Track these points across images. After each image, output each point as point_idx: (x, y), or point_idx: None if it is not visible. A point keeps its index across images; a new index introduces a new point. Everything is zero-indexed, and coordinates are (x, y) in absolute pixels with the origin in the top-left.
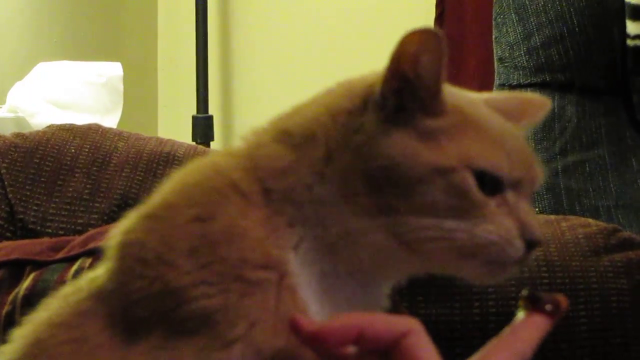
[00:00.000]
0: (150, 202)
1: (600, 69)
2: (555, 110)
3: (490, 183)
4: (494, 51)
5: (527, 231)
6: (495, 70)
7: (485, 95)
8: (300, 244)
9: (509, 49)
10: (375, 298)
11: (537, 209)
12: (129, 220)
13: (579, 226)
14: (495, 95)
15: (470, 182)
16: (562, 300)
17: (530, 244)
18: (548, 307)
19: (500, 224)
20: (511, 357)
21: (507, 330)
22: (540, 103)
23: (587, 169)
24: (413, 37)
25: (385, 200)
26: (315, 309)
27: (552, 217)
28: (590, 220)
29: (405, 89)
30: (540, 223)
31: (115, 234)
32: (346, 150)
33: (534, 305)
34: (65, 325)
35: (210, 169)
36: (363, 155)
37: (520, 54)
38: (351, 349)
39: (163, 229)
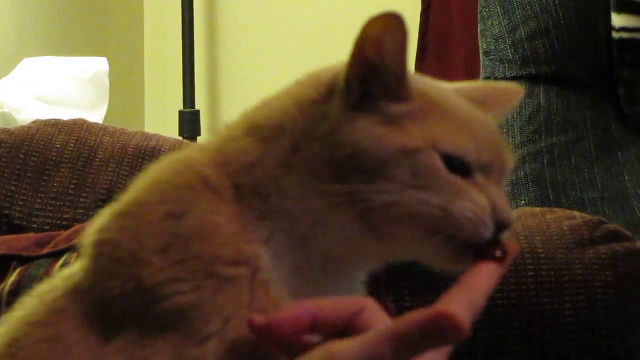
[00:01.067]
0: (123, 199)
1: (586, 61)
2: (541, 103)
3: (459, 167)
4: (480, 44)
5: (499, 213)
6: (481, 64)
7: (457, 84)
8: (271, 238)
9: (495, 42)
10: (349, 288)
11: (523, 202)
12: (103, 218)
13: (564, 218)
14: (468, 84)
15: (438, 161)
16: (511, 246)
17: (500, 225)
18: (497, 253)
19: (475, 201)
20: (463, 304)
21: (459, 280)
22: (513, 91)
23: (573, 161)
24: (376, 22)
25: (354, 187)
26: (289, 302)
27: (538, 209)
28: (575, 212)
29: (370, 75)
30: (526, 215)
31: (89, 233)
32: (312, 140)
33: (483, 253)
34: (40, 324)
35: (181, 165)
36: (329, 143)
37: (506, 47)
38: (309, 338)
39: (136, 226)
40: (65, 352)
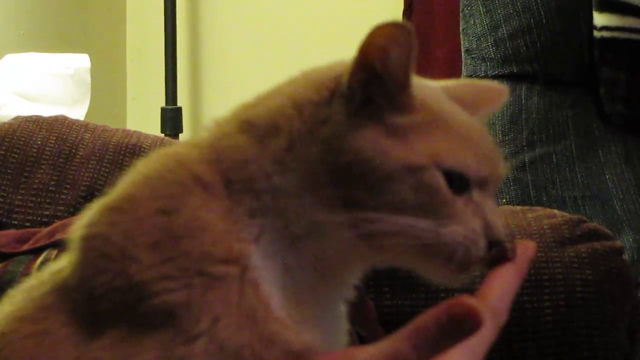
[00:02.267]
0: (112, 194)
1: (568, 60)
2: (523, 101)
3: (458, 182)
4: (462, 43)
5: (491, 232)
6: (463, 62)
7: (443, 83)
8: (261, 236)
9: (477, 41)
10: (339, 290)
11: (504, 200)
12: (92, 212)
13: (544, 217)
14: (453, 82)
15: (441, 181)
16: (524, 244)
17: (492, 243)
18: (509, 254)
19: (466, 225)
20: (489, 315)
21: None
22: (498, 91)
23: (554, 160)
24: (383, 30)
25: (351, 194)
26: (278, 302)
27: (518, 208)
28: (555, 211)
29: (374, 82)
30: (506, 214)
31: (77, 227)
32: (311, 142)
33: (493, 261)
34: (28, 319)
35: (172, 161)
36: (330, 148)
37: (488, 45)
38: None
39: (126, 222)
40: (52, 348)
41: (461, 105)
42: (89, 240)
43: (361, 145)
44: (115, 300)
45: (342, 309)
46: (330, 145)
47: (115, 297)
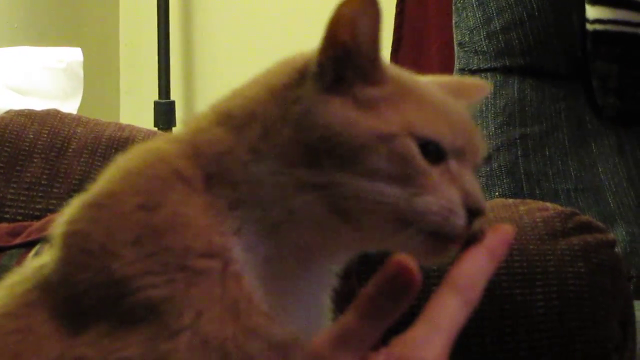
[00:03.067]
0: (93, 189)
1: (560, 53)
2: (515, 94)
3: (433, 152)
4: (454, 36)
5: (470, 200)
6: (455, 55)
7: (425, 78)
8: (242, 228)
9: (469, 34)
10: (321, 280)
11: (496, 193)
12: (73, 208)
13: (536, 210)
14: (435, 77)
15: (414, 148)
16: (499, 227)
17: (473, 212)
18: (477, 235)
19: (442, 194)
20: (455, 295)
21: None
22: (479, 86)
23: (547, 152)
24: (350, 3)
25: (325, 171)
26: (260, 295)
27: (510, 200)
28: (548, 204)
29: (343, 57)
30: (498, 207)
31: (59, 223)
32: (284, 124)
33: (465, 243)
34: (11, 316)
35: (153, 156)
36: (301, 126)
37: (480, 38)
38: None
39: (107, 218)
40: (36, 344)
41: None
42: (70, 237)
43: (331, 119)
44: (97, 297)
45: (326, 299)
46: (301, 123)
47: (98, 293)
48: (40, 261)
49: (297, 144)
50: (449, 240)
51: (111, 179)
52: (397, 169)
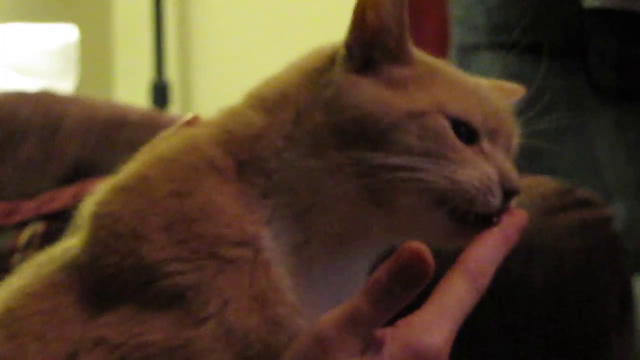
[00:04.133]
0: (125, 173)
1: (558, 29)
2: (512, 70)
3: (465, 133)
4: (451, 11)
5: (507, 180)
6: (453, 31)
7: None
8: (272, 217)
9: (466, 10)
10: (351, 269)
11: None
12: (103, 191)
13: (534, 186)
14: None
15: (446, 124)
16: (514, 212)
17: (508, 192)
18: (494, 219)
19: (482, 169)
20: (466, 280)
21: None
22: (514, 88)
23: (545, 129)
24: None
25: (358, 153)
26: (290, 284)
27: None
28: (546, 179)
29: (371, 38)
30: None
31: (88, 204)
32: (316, 108)
33: (482, 225)
34: (37, 296)
35: (187, 143)
36: (333, 109)
37: (477, 14)
38: None
39: (139, 202)
40: (61, 326)
41: None
42: (100, 219)
43: (361, 99)
44: (125, 280)
45: (357, 288)
46: (333, 106)
47: (125, 277)
48: (69, 242)
49: (330, 128)
50: (478, 223)
51: (145, 163)
52: (431, 146)
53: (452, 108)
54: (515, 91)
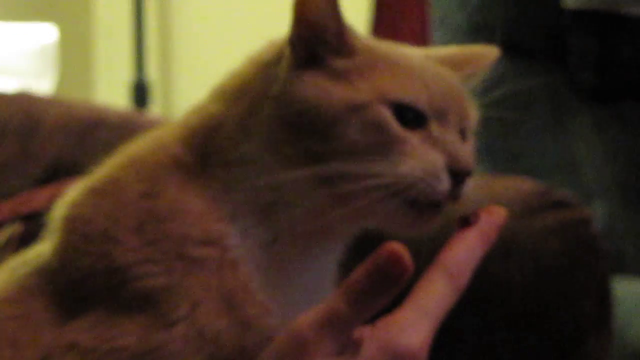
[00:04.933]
0: (97, 175)
1: (537, 30)
2: (493, 72)
3: (411, 117)
4: (431, 13)
5: (454, 162)
6: (432, 32)
7: (428, 51)
8: (237, 212)
9: (446, 10)
10: (321, 262)
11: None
12: (75, 193)
13: (513, 187)
14: (438, 49)
15: (387, 115)
16: (492, 210)
17: (457, 174)
18: (471, 218)
19: (423, 158)
20: (445, 280)
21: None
22: (486, 50)
23: (525, 130)
24: None
25: (307, 147)
26: (259, 283)
27: (487, 177)
28: (524, 180)
29: (311, 34)
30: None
31: (60, 207)
32: (266, 102)
33: (459, 224)
34: (10, 301)
35: (155, 143)
36: (280, 103)
37: (457, 14)
38: None
39: (109, 204)
40: (34, 330)
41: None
42: (71, 222)
43: (305, 93)
44: (96, 284)
45: (328, 281)
46: (280, 100)
47: (97, 280)
48: (42, 246)
49: (279, 122)
50: (432, 208)
51: (116, 165)
52: (373, 139)
53: (394, 94)
54: (487, 54)
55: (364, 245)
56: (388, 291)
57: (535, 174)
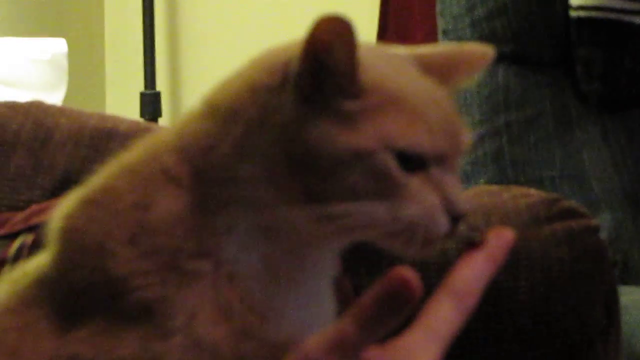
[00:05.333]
0: (91, 184)
1: (544, 40)
2: (500, 82)
3: (413, 160)
4: (438, 24)
5: (452, 206)
6: (440, 43)
7: (420, 49)
8: (233, 227)
9: (453, 22)
10: (320, 271)
11: (482, 180)
12: (70, 203)
13: (520, 196)
14: (432, 48)
15: (390, 163)
16: (499, 231)
17: (455, 217)
18: (477, 238)
19: (422, 203)
20: (453, 301)
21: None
22: (480, 52)
23: (532, 140)
24: (326, 25)
25: (308, 185)
26: (255, 294)
27: (494, 187)
28: (532, 190)
29: (320, 71)
30: (482, 193)
31: (56, 218)
32: (265, 129)
33: (465, 245)
34: (10, 312)
35: (147, 152)
36: (283, 137)
37: (464, 26)
38: None
39: (104, 215)
40: (34, 341)
41: (433, 72)
42: (67, 234)
43: (310, 136)
44: (93, 295)
45: (327, 288)
46: (283, 134)
47: (94, 291)
48: (41, 257)
49: (280, 152)
50: (433, 243)
51: (109, 175)
52: (375, 184)
53: (399, 142)
54: (482, 53)
55: (367, 251)
56: (397, 314)
57: (543, 183)
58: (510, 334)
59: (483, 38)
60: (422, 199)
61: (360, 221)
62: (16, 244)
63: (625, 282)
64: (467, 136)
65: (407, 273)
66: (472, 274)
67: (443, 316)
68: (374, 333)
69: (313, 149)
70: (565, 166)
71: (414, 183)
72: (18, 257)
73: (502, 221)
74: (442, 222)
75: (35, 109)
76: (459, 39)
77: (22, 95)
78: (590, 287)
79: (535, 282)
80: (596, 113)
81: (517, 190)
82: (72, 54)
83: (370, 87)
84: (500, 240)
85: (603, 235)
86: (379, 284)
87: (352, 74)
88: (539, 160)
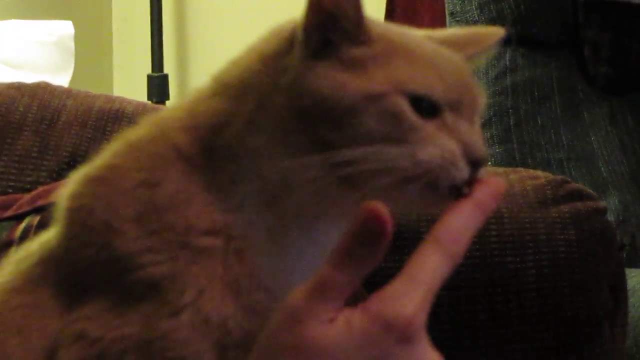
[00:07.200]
0: (97, 162)
1: (552, 22)
2: (507, 64)
3: (426, 107)
4: (446, 6)
5: (469, 150)
6: (447, 25)
7: (430, 31)
8: (244, 203)
9: (461, 3)
10: (327, 246)
11: (489, 162)
12: (76, 182)
13: (527, 178)
14: (443, 30)
15: (404, 105)
16: (489, 181)
17: (474, 163)
18: (464, 189)
19: (442, 146)
20: (437, 249)
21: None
22: (490, 31)
23: (539, 122)
24: None
25: (320, 135)
26: (264, 270)
27: (501, 169)
28: (539, 172)
29: (328, 22)
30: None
31: (62, 197)
32: (276, 94)
33: (455, 194)
34: (17, 291)
35: (155, 130)
36: (293, 94)
37: (472, 8)
38: None
39: (110, 194)
40: (40, 319)
41: (446, 47)
42: (74, 212)
43: (319, 84)
44: (100, 273)
45: None
46: (292, 91)
47: (100, 269)
48: (45, 236)
49: (291, 112)
50: (452, 191)
51: (115, 152)
52: (390, 128)
53: (410, 85)
54: (491, 34)
55: None
56: (372, 250)
57: (550, 165)
58: (517, 315)
59: (490, 20)
60: (440, 143)
61: (376, 164)
62: (22, 225)
63: (633, 265)
64: (482, 92)
65: (378, 206)
66: (457, 222)
67: (427, 264)
68: (353, 273)
69: (323, 100)
70: (573, 148)
71: (430, 128)
72: (24, 238)
73: (509, 203)
74: (462, 167)
75: (41, 90)
76: (467, 21)
77: (28, 78)
78: (597, 268)
79: (542, 263)
80: (603, 95)
81: (524, 172)
82: (79, 37)
83: (378, 36)
84: (488, 188)
85: (611, 217)
86: (352, 223)
87: (358, 20)
88: (547, 143)
